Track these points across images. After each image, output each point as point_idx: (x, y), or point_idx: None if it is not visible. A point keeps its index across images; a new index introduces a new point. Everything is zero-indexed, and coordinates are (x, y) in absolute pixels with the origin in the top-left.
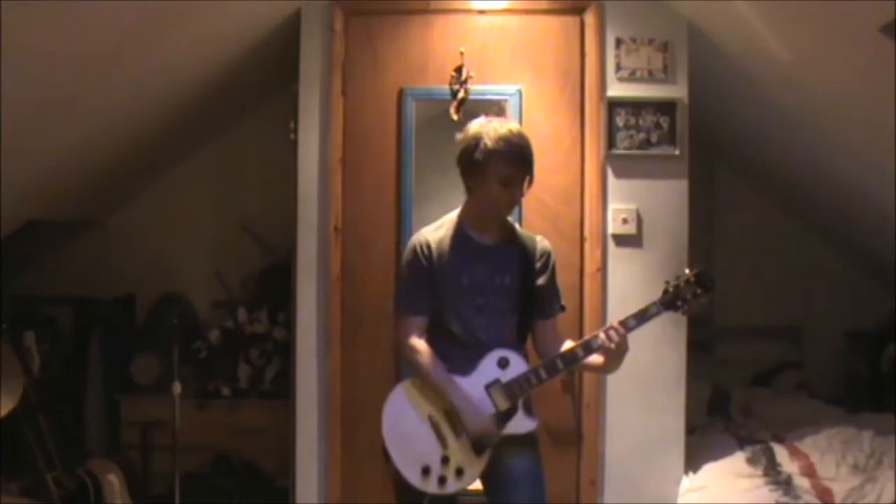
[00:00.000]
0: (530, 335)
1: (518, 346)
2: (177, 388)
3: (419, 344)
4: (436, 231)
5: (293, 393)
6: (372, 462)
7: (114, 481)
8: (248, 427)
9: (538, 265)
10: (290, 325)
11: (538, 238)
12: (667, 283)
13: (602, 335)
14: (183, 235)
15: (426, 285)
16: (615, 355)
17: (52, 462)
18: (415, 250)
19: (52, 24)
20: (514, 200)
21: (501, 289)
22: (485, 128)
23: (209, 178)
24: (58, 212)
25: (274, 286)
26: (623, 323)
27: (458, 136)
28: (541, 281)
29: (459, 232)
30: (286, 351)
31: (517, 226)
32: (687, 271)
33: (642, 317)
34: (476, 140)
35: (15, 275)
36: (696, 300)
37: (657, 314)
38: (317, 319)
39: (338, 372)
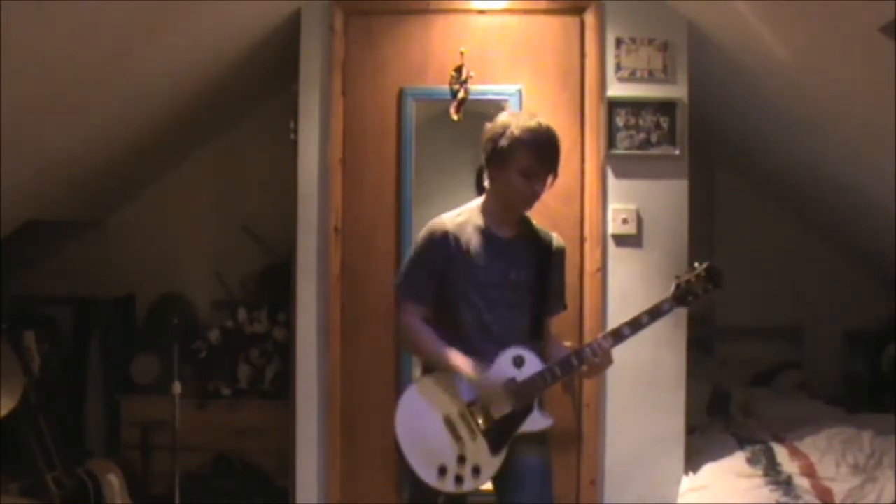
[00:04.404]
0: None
1: (532, 343)
2: (177, 388)
3: (420, 324)
4: (456, 218)
5: (293, 393)
6: (372, 462)
7: (114, 481)
8: (248, 427)
9: (553, 263)
10: (290, 325)
11: (554, 235)
12: (677, 278)
13: (588, 350)
14: (183, 235)
15: (434, 274)
16: (596, 370)
17: (52, 462)
18: (431, 237)
19: (52, 24)
20: (534, 195)
21: (516, 285)
22: (514, 117)
23: (209, 178)
24: (58, 212)
25: (274, 286)
26: (627, 325)
27: (488, 124)
28: (552, 279)
29: (479, 224)
30: (286, 351)
31: (534, 221)
32: (697, 265)
33: (654, 314)
34: (503, 128)
35: (15, 275)
36: (706, 295)
37: (669, 311)
38: (317, 319)
39: (338, 372)
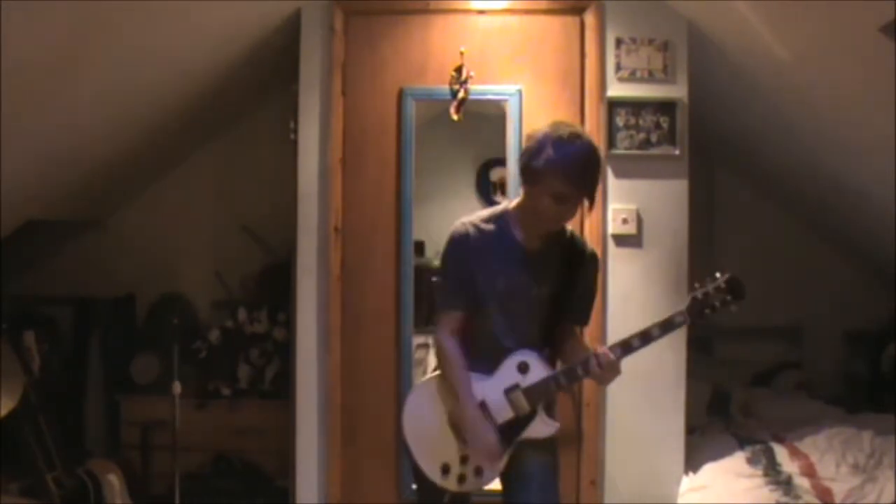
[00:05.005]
0: (558, 338)
1: (540, 349)
2: (177, 388)
3: (452, 348)
4: (482, 224)
5: (293, 393)
6: (372, 462)
7: (114, 481)
8: (248, 427)
9: (585, 273)
10: (290, 325)
11: (587, 245)
12: (695, 288)
13: (594, 361)
14: (183, 235)
15: (465, 279)
16: (604, 380)
17: (52, 462)
18: (456, 242)
19: (52, 24)
20: (563, 219)
21: (537, 298)
22: (555, 133)
23: (209, 178)
24: (58, 212)
25: (274, 286)
26: (637, 337)
27: (529, 132)
28: (582, 289)
29: (506, 231)
30: (286, 351)
31: (569, 228)
32: (718, 275)
33: (666, 327)
34: (541, 145)
35: (15, 275)
36: (724, 308)
37: (683, 324)
38: (317, 319)
39: (338, 372)
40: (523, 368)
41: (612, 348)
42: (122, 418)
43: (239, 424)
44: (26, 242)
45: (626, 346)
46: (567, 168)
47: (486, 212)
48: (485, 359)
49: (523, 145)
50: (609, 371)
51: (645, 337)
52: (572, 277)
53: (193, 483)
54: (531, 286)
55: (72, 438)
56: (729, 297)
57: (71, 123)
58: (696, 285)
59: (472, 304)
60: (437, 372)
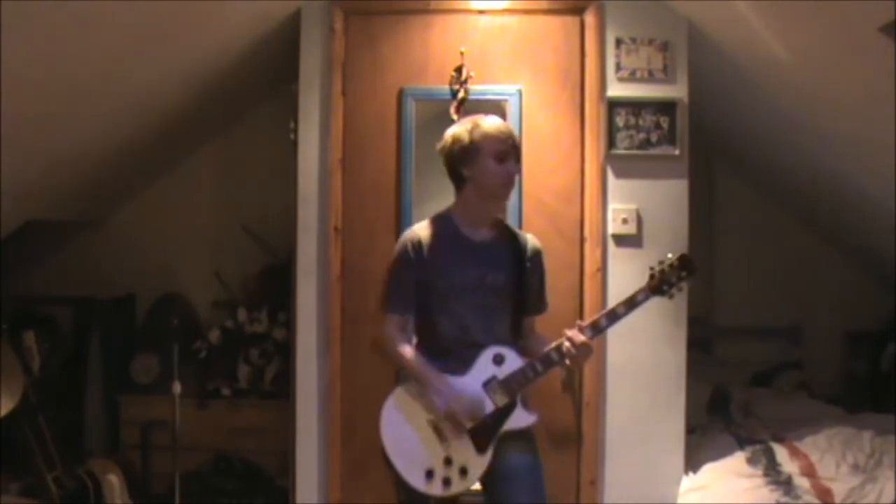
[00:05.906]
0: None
1: (512, 342)
2: (177, 388)
3: (402, 344)
4: (427, 228)
5: (293, 393)
6: (372, 462)
7: (114, 481)
8: (248, 427)
9: (530, 264)
10: (290, 325)
11: (529, 237)
12: (651, 268)
13: (567, 344)
14: (183, 235)
15: (413, 284)
16: (577, 362)
17: (52, 462)
18: (405, 248)
19: (53, 24)
20: (511, 179)
21: (494, 287)
22: (468, 121)
23: (209, 178)
24: (58, 212)
25: (274, 286)
26: (604, 316)
27: (439, 145)
28: (532, 279)
29: (452, 230)
30: (286, 351)
31: (508, 223)
32: (669, 255)
33: (630, 304)
34: (466, 128)
35: (15, 275)
36: (680, 283)
37: (645, 300)
38: (317, 319)
39: (338, 372)
40: (498, 360)
41: (582, 329)
42: (122, 418)
43: (239, 424)
44: (26, 242)
45: (596, 326)
46: (498, 129)
47: (429, 219)
48: (457, 358)
49: (445, 146)
50: (582, 352)
51: (612, 316)
52: (522, 268)
53: (193, 483)
54: (485, 275)
55: (72, 438)
56: (683, 274)
57: (71, 124)
58: (651, 267)
59: (428, 309)
60: (405, 380)
